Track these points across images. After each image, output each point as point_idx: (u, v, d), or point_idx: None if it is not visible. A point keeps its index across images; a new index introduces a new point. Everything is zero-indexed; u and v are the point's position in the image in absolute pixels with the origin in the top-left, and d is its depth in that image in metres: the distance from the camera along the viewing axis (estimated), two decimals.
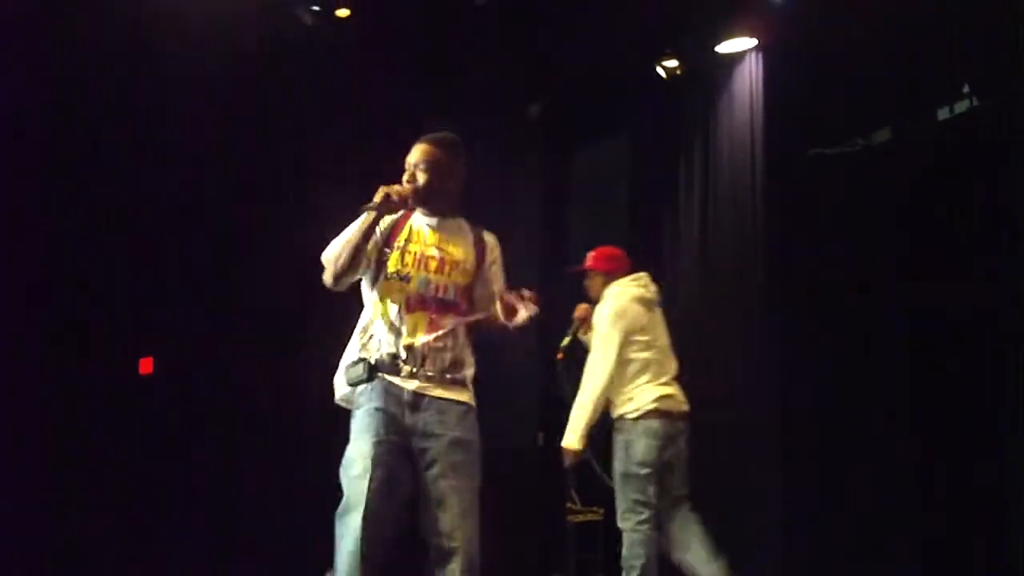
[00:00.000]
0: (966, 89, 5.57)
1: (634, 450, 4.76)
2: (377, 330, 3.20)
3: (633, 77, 6.76)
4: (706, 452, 6.08)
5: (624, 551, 4.72)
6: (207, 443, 5.98)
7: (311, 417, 5.59)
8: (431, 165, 3.27)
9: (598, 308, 5.00)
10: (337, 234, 3.29)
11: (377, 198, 3.15)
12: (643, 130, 7.03)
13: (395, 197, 3.16)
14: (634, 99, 6.91)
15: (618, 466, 4.83)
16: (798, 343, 5.90)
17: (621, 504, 4.78)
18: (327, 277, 3.22)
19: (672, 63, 6.53)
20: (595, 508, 6.14)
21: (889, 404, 5.56)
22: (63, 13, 5.43)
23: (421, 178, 3.26)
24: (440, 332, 3.15)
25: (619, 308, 4.90)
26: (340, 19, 6.23)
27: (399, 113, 6.12)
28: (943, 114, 5.71)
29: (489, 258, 3.34)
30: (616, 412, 4.88)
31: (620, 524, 4.77)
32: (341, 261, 3.17)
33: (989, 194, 5.23)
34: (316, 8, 6.20)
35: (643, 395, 4.82)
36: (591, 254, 5.14)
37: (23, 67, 5.40)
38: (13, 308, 5.52)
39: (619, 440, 4.84)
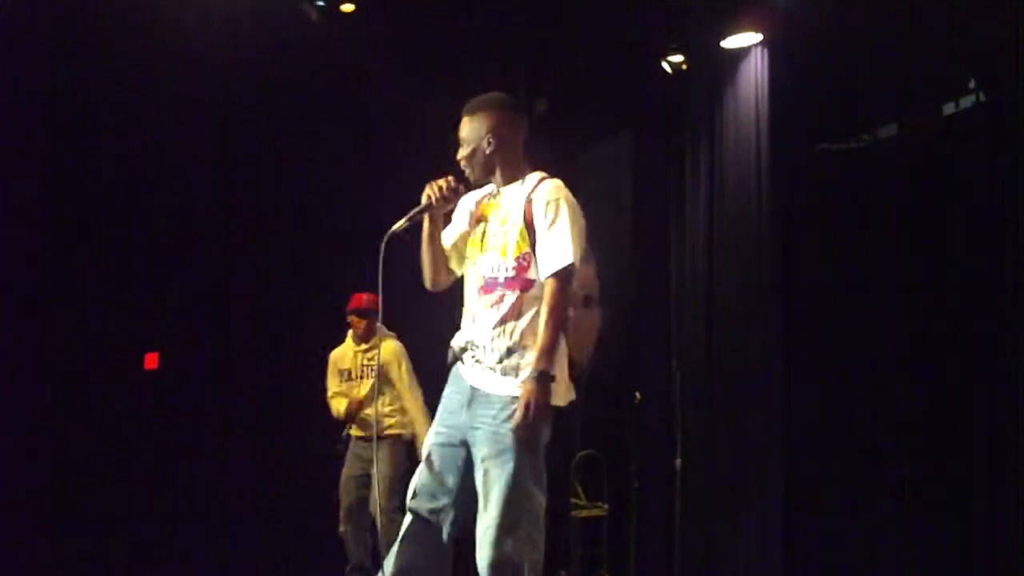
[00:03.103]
0: (972, 84, 5.56)
1: None
2: (463, 314, 3.15)
3: (638, 72, 6.74)
4: (710, 447, 6.12)
5: None
6: (212, 438, 5.99)
7: (314, 411, 5.59)
8: (463, 137, 3.13)
9: None
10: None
11: (423, 201, 3.07)
12: (648, 126, 7.02)
13: (436, 195, 3.06)
14: (639, 94, 6.89)
15: None
16: (803, 338, 5.89)
17: None
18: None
19: (677, 58, 6.52)
20: (599, 503, 6.14)
21: (892, 395, 5.55)
22: (66, 9, 5.45)
23: (460, 153, 3.14)
24: (497, 315, 3.00)
25: None
26: (344, 14, 6.23)
27: (403, 107, 6.12)
28: (948, 109, 5.69)
29: (536, 208, 3.03)
30: None
31: None
32: (425, 273, 3.16)
33: (993, 189, 5.21)
34: (321, 3, 6.21)
35: None
36: None
37: (25, 63, 5.42)
38: (17, 302, 5.53)
39: None
